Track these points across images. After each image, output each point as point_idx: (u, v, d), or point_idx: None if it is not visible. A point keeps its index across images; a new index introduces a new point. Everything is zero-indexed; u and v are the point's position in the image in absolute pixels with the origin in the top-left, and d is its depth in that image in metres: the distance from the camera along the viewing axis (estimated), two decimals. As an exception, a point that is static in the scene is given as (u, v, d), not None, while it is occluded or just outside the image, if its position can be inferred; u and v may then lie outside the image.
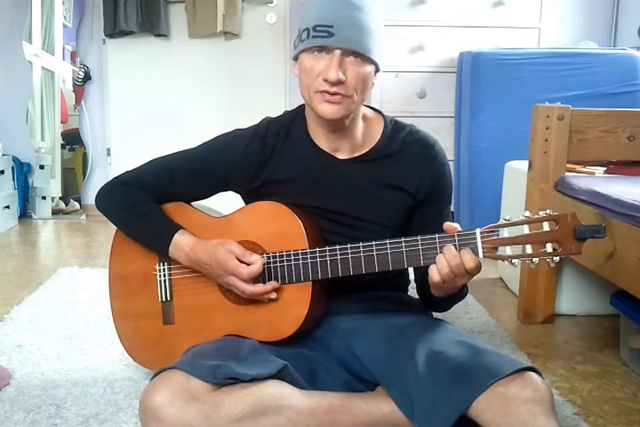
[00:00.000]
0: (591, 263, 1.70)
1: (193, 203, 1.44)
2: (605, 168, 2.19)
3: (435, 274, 1.14)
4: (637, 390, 1.62)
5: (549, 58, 2.96)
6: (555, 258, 1.12)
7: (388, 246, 1.20)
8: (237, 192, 1.42)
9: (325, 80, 1.19)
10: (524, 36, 3.29)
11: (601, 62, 2.94)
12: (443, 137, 3.23)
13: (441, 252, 1.15)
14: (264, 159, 1.35)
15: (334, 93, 1.20)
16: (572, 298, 2.15)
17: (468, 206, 3.06)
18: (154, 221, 1.38)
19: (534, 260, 1.12)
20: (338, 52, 1.18)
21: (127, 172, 1.44)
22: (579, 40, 3.64)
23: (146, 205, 1.39)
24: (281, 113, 1.41)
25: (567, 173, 2.01)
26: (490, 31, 3.27)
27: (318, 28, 1.18)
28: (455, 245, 1.14)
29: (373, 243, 1.21)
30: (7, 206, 3.49)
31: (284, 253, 1.27)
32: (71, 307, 2.15)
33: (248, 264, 1.26)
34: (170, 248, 1.34)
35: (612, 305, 1.76)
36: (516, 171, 2.37)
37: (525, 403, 1.04)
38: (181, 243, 1.33)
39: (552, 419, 1.04)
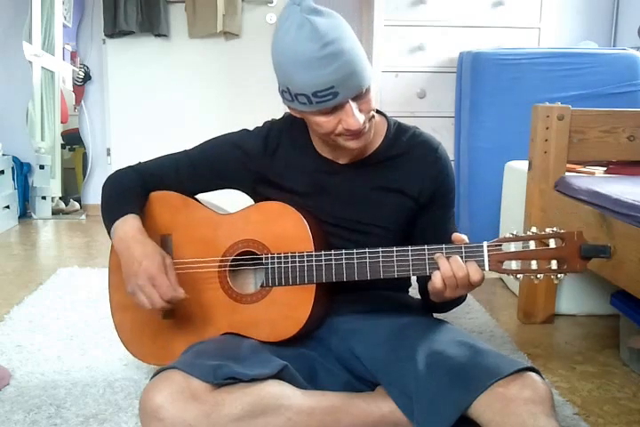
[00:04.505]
0: (591, 263, 1.69)
1: (201, 199, 1.44)
2: (605, 168, 2.19)
3: (438, 281, 1.14)
4: (637, 390, 1.62)
5: (549, 58, 2.95)
6: (559, 275, 1.12)
7: (395, 254, 1.19)
8: (243, 191, 1.43)
9: (348, 129, 1.17)
10: (524, 36, 3.29)
11: (601, 62, 2.94)
12: (443, 137, 3.22)
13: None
14: (266, 160, 1.35)
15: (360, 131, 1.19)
16: (572, 298, 2.15)
17: (468, 206, 3.06)
18: (123, 198, 1.38)
19: (539, 276, 1.12)
20: (349, 102, 1.15)
21: (139, 162, 1.47)
22: (579, 40, 3.64)
23: (129, 185, 1.40)
24: (282, 115, 1.40)
25: (567, 173, 2.00)
26: (490, 31, 3.27)
27: (320, 94, 1.12)
28: (462, 257, 1.15)
29: (380, 249, 1.20)
30: (7, 206, 3.49)
31: (290, 255, 1.26)
32: (71, 307, 2.15)
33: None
34: (117, 221, 1.32)
35: (611, 305, 1.76)
36: (516, 171, 2.37)
37: (525, 403, 1.04)
38: (129, 222, 1.31)
39: (552, 419, 1.04)
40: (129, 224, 1.32)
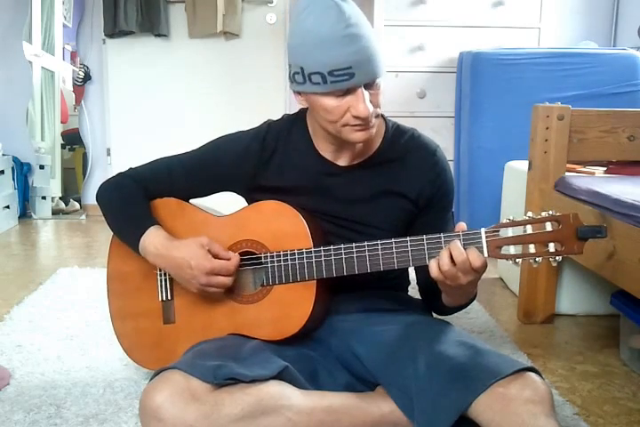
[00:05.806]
0: (591, 263, 1.70)
1: (195, 203, 1.44)
2: (605, 168, 2.19)
3: (434, 270, 1.14)
4: (637, 390, 1.62)
5: (549, 58, 2.95)
6: (557, 257, 1.13)
7: (394, 245, 1.20)
8: (239, 194, 1.43)
9: (356, 117, 1.18)
10: (524, 36, 3.29)
11: (601, 62, 2.94)
12: (443, 137, 3.24)
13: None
14: (263, 161, 1.35)
15: (367, 123, 1.20)
16: (572, 298, 2.15)
17: (468, 206, 3.06)
18: (134, 211, 1.38)
19: (537, 259, 1.13)
20: (361, 88, 1.16)
21: (130, 168, 1.46)
22: (579, 40, 3.64)
23: (134, 196, 1.40)
24: (281, 115, 1.41)
25: (567, 173, 2.00)
26: (490, 31, 3.27)
27: (336, 73, 1.13)
28: (461, 244, 1.14)
29: (378, 242, 1.21)
30: (7, 206, 3.49)
31: (289, 252, 1.27)
32: (71, 307, 2.15)
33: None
34: (142, 238, 1.32)
35: (611, 305, 1.76)
36: (516, 171, 2.37)
37: (525, 403, 1.04)
38: (153, 234, 1.32)
39: (552, 419, 1.04)
40: (154, 237, 1.32)
